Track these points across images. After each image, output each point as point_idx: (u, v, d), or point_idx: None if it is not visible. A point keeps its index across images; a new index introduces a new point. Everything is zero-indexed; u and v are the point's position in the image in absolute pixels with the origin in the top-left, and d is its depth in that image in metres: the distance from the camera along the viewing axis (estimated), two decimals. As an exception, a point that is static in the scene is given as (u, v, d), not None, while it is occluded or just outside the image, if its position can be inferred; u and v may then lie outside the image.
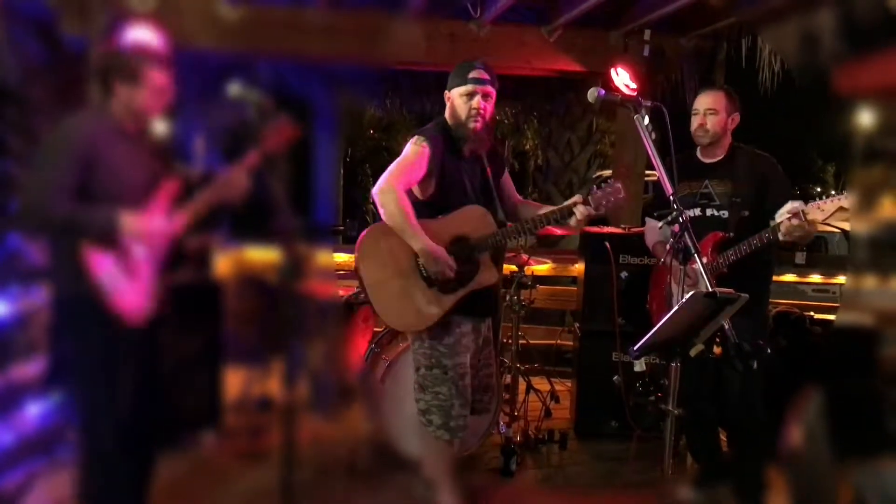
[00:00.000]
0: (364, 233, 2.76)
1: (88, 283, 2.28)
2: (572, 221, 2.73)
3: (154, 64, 2.36)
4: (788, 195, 2.86)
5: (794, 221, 2.67)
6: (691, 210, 3.00)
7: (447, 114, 2.83)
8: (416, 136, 2.75)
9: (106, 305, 2.30)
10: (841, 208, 2.63)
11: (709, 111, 2.98)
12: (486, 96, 2.74)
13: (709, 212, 3.00)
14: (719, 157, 3.04)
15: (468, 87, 2.72)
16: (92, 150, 2.28)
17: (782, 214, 2.79)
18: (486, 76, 2.75)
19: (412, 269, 2.72)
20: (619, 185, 2.77)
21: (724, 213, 2.96)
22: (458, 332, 2.78)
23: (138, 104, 2.38)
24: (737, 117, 3.01)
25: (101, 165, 2.29)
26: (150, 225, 2.31)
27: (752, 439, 2.99)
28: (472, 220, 2.76)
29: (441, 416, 2.78)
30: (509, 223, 2.83)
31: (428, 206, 2.76)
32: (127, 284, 2.33)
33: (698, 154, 3.09)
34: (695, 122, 3.02)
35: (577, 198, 2.76)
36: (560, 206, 2.78)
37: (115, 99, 2.37)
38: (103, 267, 2.29)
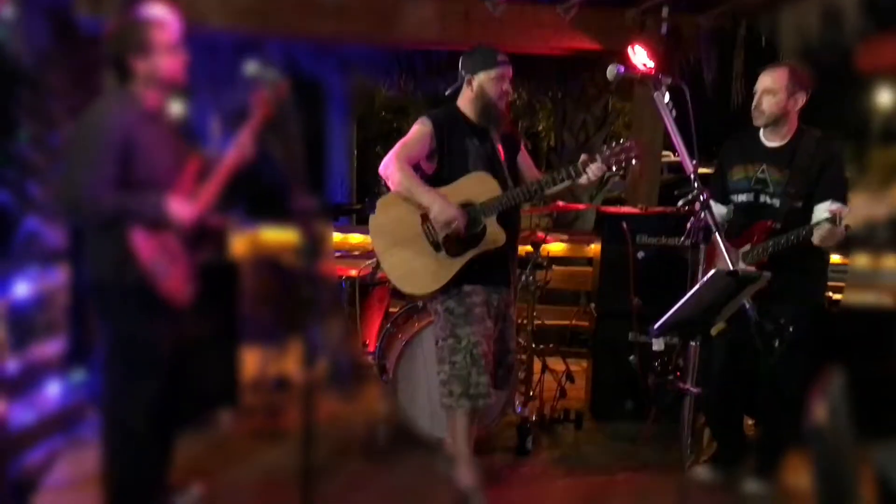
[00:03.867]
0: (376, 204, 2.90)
1: (135, 268, 2.29)
2: (583, 180, 2.76)
3: (163, 28, 2.34)
4: (839, 191, 2.78)
5: (825, 229, 2.62)
6: (745, 195, 2.92)
7: (466, 98, 2.93)
8: (421, 117, 2.91)
9: (153, 289, 2.32)
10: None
11: (766, 91, 2.84)
12: (508, 79, 2.90)
13: (762, 198, 2.91)
14: (782, 142, 2.90)
15: (499, 71, 2.86)
16: (127, 138, 2.29)
17: (821, 211, 2.75)
18: (509, 61, 2.90)
19: (418, 235, 2.83)
20: (631, 143, 2.75)
21: (777, 202, 2.86)
22: (469, 301, 2.85)
23: (159, 74, 2.36)
24: (801, 97, 2.83)
25: (137, 151, 2.31)
26: (192, 209, 2.34)
27: (781, 426, 2.93)
28: (476, 185, 2.83)
29: (460, 384, 2.82)
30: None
31: (433, 181, 2.87)
32: (172, 267, 2.35)
33: (761, 135, 2.96)
34: (754, 102, 2.91)
35: (584, 157, 2.77)
36: (568, 166, 2.81)
37: (136, 76, 2.36)
38: (149, 252, 2.31)
